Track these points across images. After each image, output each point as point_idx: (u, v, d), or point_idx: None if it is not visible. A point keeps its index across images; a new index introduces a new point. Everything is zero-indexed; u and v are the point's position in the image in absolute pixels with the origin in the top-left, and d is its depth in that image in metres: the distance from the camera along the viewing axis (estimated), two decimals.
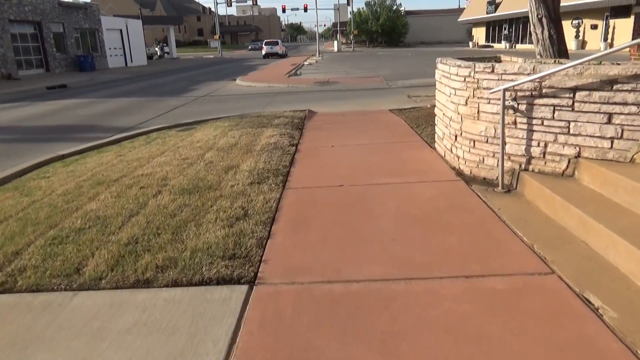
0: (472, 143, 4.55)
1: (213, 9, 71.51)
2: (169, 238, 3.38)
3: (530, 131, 4.02)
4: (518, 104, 4.04)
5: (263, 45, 44.25)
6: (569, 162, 3.86)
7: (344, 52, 52.16)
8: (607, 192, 3.41)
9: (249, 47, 72.73)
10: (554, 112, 3.85)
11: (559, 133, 3.85)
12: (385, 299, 2.53)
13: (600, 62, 3.75)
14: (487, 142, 4.39)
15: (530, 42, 43.84)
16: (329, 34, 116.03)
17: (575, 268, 2.75)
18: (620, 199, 3.26)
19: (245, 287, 2.72)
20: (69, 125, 9.90)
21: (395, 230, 3.42)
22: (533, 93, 3.93)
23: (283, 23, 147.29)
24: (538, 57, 6.68)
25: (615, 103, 3.54)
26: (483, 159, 4.46)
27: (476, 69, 4.35)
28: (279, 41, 45.71)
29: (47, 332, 2.41)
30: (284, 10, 59.05)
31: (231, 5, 54.48)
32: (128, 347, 2.24)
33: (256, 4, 56.16)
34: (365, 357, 2.10)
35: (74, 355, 2.21)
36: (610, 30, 31.42)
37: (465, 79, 4.51)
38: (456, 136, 4.81)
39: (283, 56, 42.02)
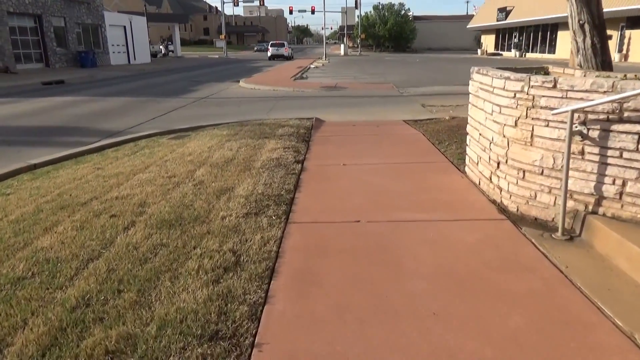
0: (521, 174, 3.68)
1: (220, 9, 70.97)
2: (133, 299, 2.53)
3: (603, 164, 3.16)
4: (588, 130, 3.18)
5: (269, 47, 43.26)
6: None
7: (350, 56, 51.37)
8: None
9: (255, 48, 71.86)
10: (638, 142, 2.99)
11: None
12: None
13: None
14: (542, 174, 3.52)
15: (542, 51, 43.19)
16: (336, 37, 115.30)
17: None
18: None
19: None
20: (53, 126, 9.05)
21: (435, 299, 2.55)
22: (610, 117, 3.06)
23: (290, 25, 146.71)
24: (578, 67, 5.86)
25: None
26: (535, 194, 3.59)
27: (532, 83, 3.48)
28: (285, 43, 44.82)
29: None
30: (291, 12, 58.32)
31: (238, 5, 53.84)
32: None
33: (263, 4, 55.34)
34: None
35: None
36: (626, 41, 30.60)
37: (515, 94, 3.65)
38: (499, 163, 3.95)
39: (289, 58, 41.14)
